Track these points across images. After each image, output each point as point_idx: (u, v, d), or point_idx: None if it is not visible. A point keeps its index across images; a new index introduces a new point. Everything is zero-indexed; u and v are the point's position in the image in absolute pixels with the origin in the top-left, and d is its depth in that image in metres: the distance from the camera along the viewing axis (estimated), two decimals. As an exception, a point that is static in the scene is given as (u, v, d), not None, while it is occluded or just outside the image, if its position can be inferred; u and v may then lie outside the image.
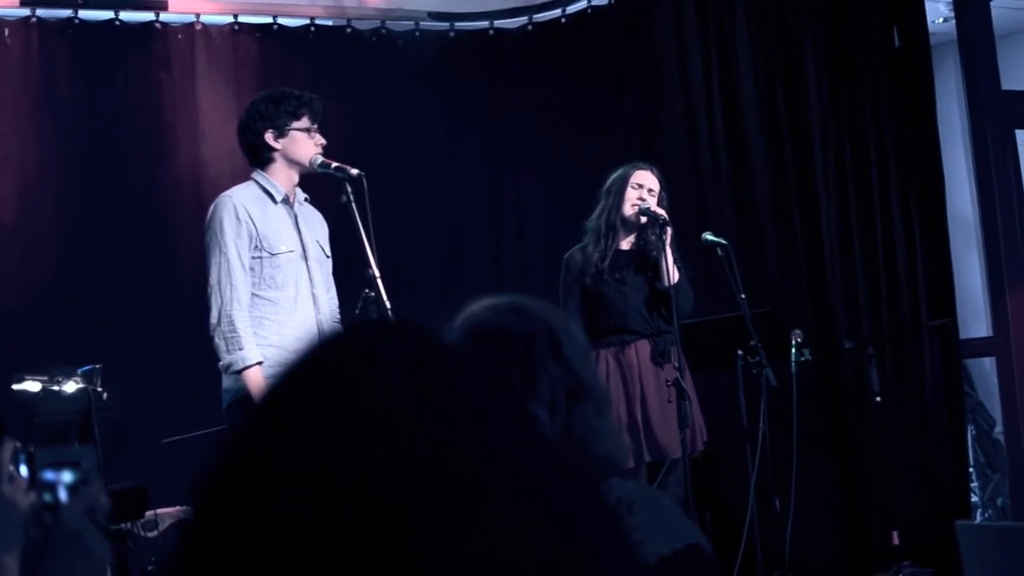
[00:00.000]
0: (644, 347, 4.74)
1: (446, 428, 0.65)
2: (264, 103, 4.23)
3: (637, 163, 4.92)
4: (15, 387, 4.57)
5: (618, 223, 4.81)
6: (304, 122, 4.21)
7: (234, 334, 4.03)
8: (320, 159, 4.20)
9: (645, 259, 4.81)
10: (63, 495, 1.57)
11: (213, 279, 4.11)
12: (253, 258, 4.13)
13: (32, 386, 4.60)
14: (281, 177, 4.22)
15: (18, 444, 1.63)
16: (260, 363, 4.01)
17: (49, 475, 1.58)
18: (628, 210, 4.79)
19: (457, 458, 0.63)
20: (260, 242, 4.13)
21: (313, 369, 0.68)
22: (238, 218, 4.11)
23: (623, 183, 4.82)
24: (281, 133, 4.20)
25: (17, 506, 1.53)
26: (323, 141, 4.24)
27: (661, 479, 4.63)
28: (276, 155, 4.21)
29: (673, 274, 4.68)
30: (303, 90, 4.33)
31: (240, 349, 4.01)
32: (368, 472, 0.62)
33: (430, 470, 0.62)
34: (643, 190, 4.80)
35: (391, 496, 0.61)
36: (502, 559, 0.61)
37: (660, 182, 4.85)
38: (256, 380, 3.97)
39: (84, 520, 1.54)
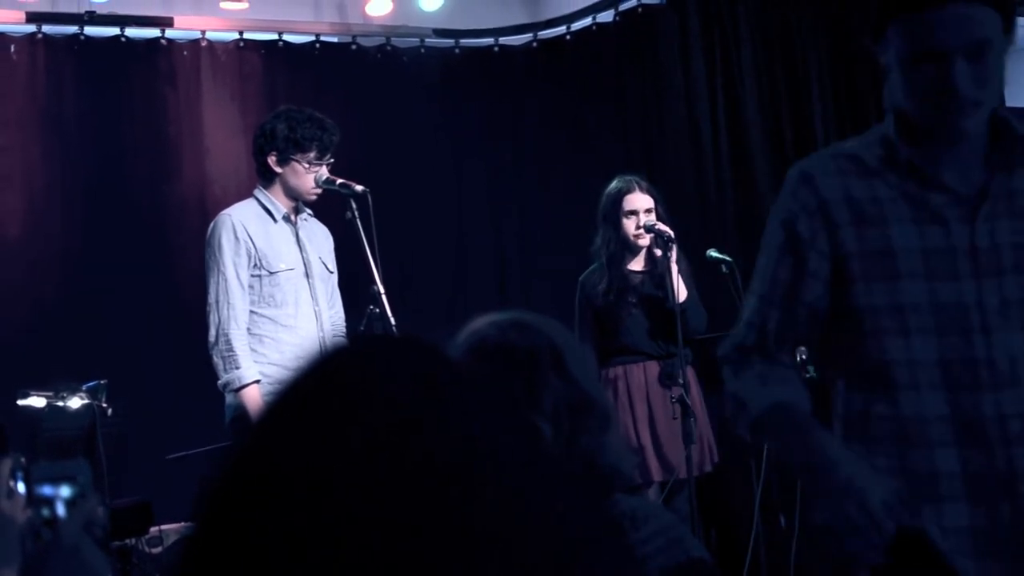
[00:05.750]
0: (653, 368, 4.69)
1: (449, 442, 0.64)
2: (280, 123, 4.16)
3: (622, 186, 4.74)
4: (20, 403, 4.57)
5: (623, 249, 4.75)
6: (310, 155, 4.16)
7: (231, 353, 4.04)
8: (325, 175, 4.19)
9: (659, 279, 4.75)
10: (61, 510, 1.56)
11: (211, 298, 4.12)
12: (252, 276, 4.12)
13: (37, 402, 4.60)
14: (281, 198, 4.22)
15: (22, 459, 1.63)
16: (257, 381, 4.01)
17: (46, 490, 1.57)
18: (630, 239, 4.74)
19: (460, 472, 0.63)
20: (259, 260, 4.12)
21: (315, 382, 0.68)
22: (236, 237, 4.11)
23: (616, 209, 4.71)
24: (284, 160, 4.18)
25: (15, 521, 1.52)
26: (328, 166, 4.21)
27: (668, 497, 4.60)
28: (277, 179, 4.21)
29: (680, 292, 4.65)
30: (308, 107, 4.30)
31: (237, 368, 4.02)
32: (370, 485, 0.62)
33: (433, 484, 0.62)
34: (638, 216, 4.69)
35: (393, 510, 0.61)
36: (506, 573, 0.61)
37: (654, 197, 4.74)
38: (253, 398, 3.98)
39: (82, 535, 1.53)
